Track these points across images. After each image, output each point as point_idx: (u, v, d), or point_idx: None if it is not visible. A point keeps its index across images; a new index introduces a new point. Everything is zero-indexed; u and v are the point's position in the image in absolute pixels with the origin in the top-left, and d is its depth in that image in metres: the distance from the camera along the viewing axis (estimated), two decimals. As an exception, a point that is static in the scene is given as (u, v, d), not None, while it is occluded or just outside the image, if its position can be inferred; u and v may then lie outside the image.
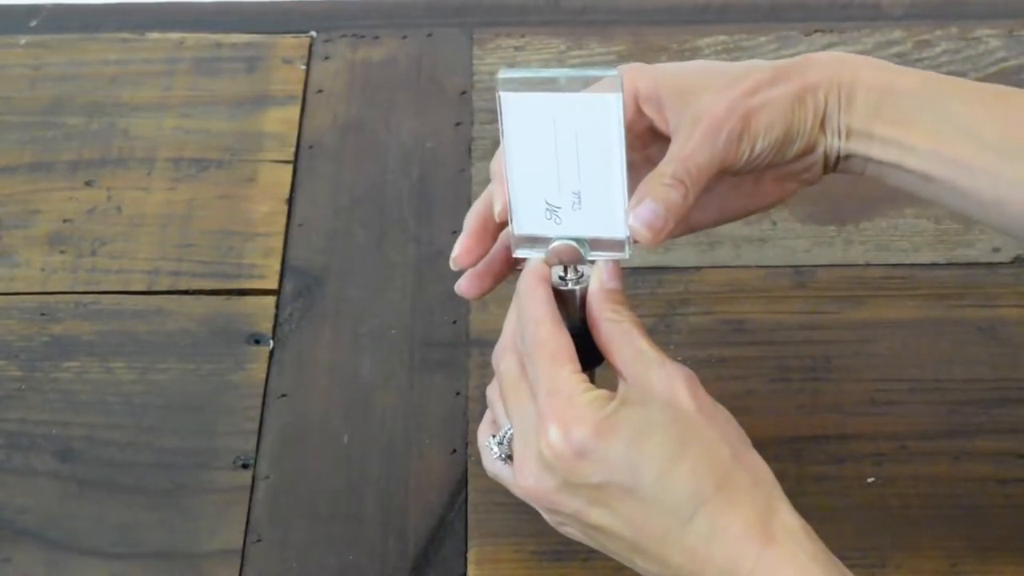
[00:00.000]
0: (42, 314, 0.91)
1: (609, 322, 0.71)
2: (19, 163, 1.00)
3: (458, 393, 0.86)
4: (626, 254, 0.71)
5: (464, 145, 1.01)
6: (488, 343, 0.87)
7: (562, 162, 0.70)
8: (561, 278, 0.72)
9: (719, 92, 0.73)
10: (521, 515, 0.80)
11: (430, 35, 1.09)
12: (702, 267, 0.93)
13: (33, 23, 1.10)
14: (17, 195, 0.98)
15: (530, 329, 0.70)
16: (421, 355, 0.88)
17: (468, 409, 0.85)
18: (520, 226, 0.72)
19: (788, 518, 0.67)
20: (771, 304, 0.90)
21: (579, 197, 0.71)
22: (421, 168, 0.99)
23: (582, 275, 0.72)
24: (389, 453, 0.84)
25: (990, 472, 0.82)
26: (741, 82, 0.73)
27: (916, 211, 0.96)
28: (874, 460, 0.82)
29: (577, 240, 0.71)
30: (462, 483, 0.82)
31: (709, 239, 0.94)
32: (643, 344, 0.70)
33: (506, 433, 0.73)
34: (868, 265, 0.93)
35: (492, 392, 0.76)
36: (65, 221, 0.96)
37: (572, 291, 0.72)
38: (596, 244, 0.72)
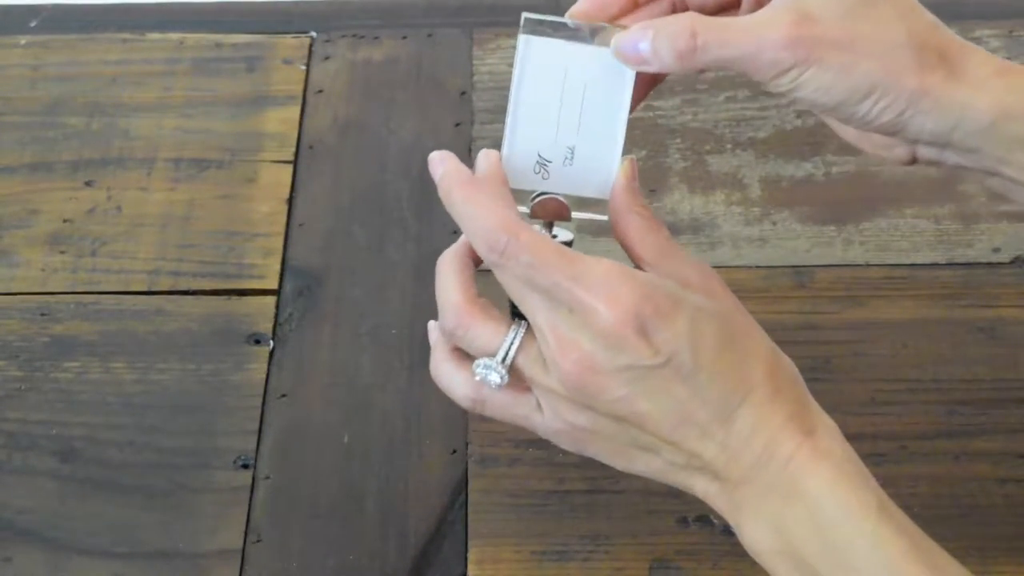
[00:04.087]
0: (42, 314, 0.91)
1: (639, 216, 0.70)
2: (19, 163, 1.00)
3: (458, 393, 0.86)
4: (607, 216, 0.71)
5: (464, 145, 1.01)
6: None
7: (564, 114, 0.71)
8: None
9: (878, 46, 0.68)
10: (521, 515, 0.80)
11: (430, 35, 1.09)
12: (702, 267, 0.93)
13: (33, 23, 1.10)
14: (17, 195, 0.98)
15: (516, 237, 0.67)
16: (421, 355, 0.88)
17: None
18: (510, 179, 0.71)
19: (823, 416, 0.67)
20: (771, 304, 0.90)
21: (572, 152, 0.71)
22: (421, 168, 0.99)
23: (556, 235, 0.72)
24: (389, 453, 0.84)
25: (990, 472, 0.82)
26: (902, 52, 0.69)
27: (916, 211, 0.96)
28: (874, 460, 0.82)
29: (565, 197, 0.71)
30: (462, 483, 0.82)
31: (709, 239, 0.94)
32: (671, 242, 0.70)
33: (513, 340, 0.68)
34: (868, 265, 0.93)
35: (460, 316, 0.70)
36: (65, 221, 0.96)
37: None
38: (581, 204, 0.72)
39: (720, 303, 0.68)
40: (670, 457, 0.68)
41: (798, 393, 0.68)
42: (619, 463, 0.70)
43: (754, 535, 0.67)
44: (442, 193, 0.69)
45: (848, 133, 0.75)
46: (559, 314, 0.66)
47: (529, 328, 0.68)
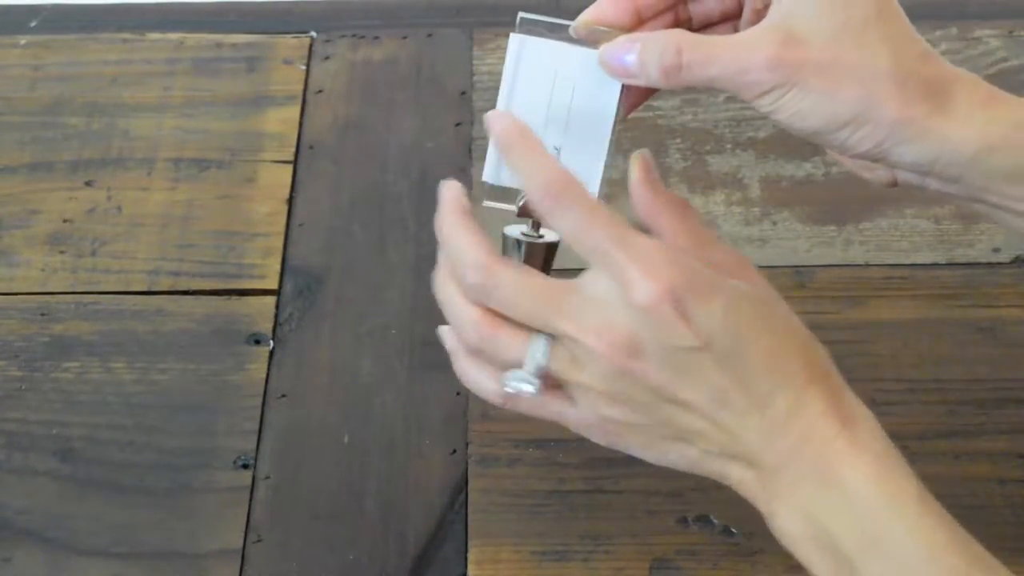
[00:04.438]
0: (42, 314, 0.91)
1: (667, 204, 0.70)
2: (19, 163, 1.00)
3: (458, 393, 0.86)
4: None
5: (464, 145, 1.01)
6: (488, 343, 0.87)
7: (552, 114, 0.71)
8: (524, 233, 0.72)
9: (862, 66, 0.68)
10: (521, 515, 0.80)
11: (430, 35, 1.09)
12: (702, 267, 0.93)
13: (33, 23, 1.10)
14: (17, 195, 0.98)
15: (574, 186, 0.66)
16: (421, 355, 0.88)
17: (468, 409, 0.85)
18: (496, 175, 0.72)
19: (860, 406, 0.67)
20: (771, 304, 0.90)
21: (558, 153, 0.71)
22: (421, 168, 0.99)
23: (542, 235, 0.72)
24: (389, 453, 0.84)
25: (990, 472, 0.82)
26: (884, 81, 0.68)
27: (916, 211, 0.96)
28: (874, 460, 0.82)
29: None
30: (462, 483, 0.82)
31: (709, 239, 0.94)
32: (705, 230, 0.70)
33: (541, 348, 0.67)
34: (868, 265, 0.93)
35: (481, 330, 0.69)
36: (65, 221, 0.96)
37: (535, 244, 0.72)
38: None
39: (758, 289, 0.68)
40: (705, 446, 0.68)
41: (834, 381, 0.67)
42: (652, 455, 0.69)
43: (788, 522, 0.67)
44: (501, 143, 0.69)
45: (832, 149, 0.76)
46: (596, 291, 0.66)
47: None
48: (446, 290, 0.70)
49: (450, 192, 0.71)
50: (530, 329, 0.68)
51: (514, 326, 0.68)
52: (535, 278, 0.68)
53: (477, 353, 0.70)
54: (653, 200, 0.70)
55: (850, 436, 0.66)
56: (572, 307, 0.66)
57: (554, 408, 0.70)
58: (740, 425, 0.66)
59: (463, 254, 0.68)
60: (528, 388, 0.68)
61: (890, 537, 0.65)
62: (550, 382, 0.69)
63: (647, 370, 0.66)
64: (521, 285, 0.67)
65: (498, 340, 0.68)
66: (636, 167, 0.70)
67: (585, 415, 0.69)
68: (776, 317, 0.67)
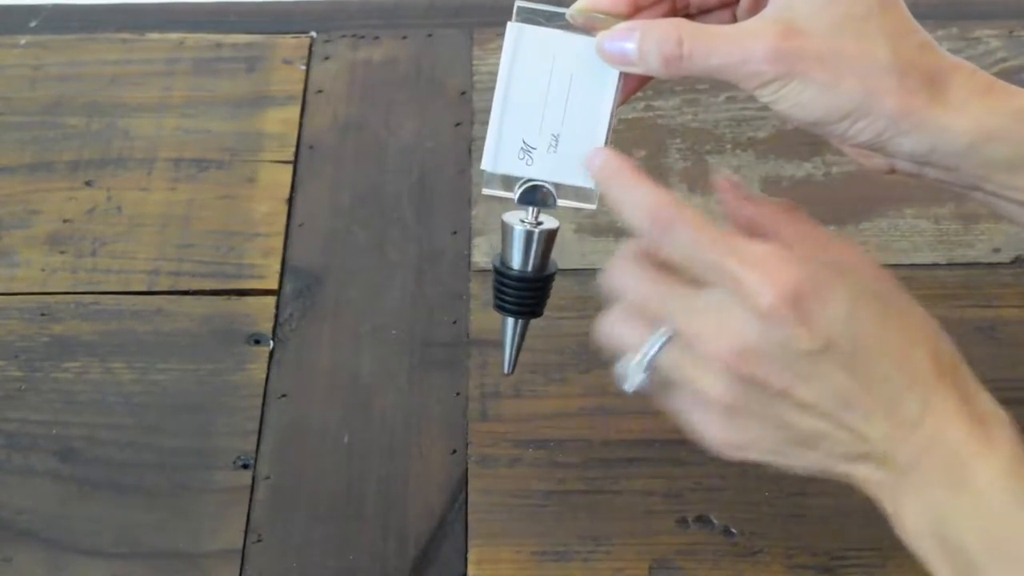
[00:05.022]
0: (42, 314, 0.91)
1: (779, 213, 0.69)
2: (19, 163, 1.00)
3: (458, 393, 0.86)
4: (594, 205, 0.72)
5: (464, 145, 1.01)
6: (488, 343, 0.87)
7: (550, 101, 0.71)
8: (523, 221, 0.72)
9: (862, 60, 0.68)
10: (521, 515, 0.80)
11: (430, 35, 1.09)
12: (702, 267, 0.93)
13: (33, 23, 1.10)
14: (17, 195, 0.98)
15: (680, 212, 0.66)
16: (421, 355, 0.88)
17: (468, 409, 0.85)
18: (494, 163, 0.72)
19: (992, 403, 0.66)
20: (771, 304, 0.90)
21: (556, 140, 0.71)
22: (421, 168, 0.99)
23: (541, 222, 0.72)
24: (389, 453, 0.84)
25: (990, 472, 0.82)
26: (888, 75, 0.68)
27: (916, 211, 0.96)
28: (874, 460, 0.82)
29: (552, 185, 0.72)
30: (462, 483, 0.82)
31: (709, 239, 0.94)
32: (814, 227, 0.69)
33: (655, 344, 0.67)
34: (868, 265, 0.93)
35: (618, 317, 0.68)
36: (65, 221, 0.96)
37: (532, 231, 0.72)
38: (564, 192, 0.72)
39: (880, 282, 0.67)
40: (830, 447, 0.66)
41: (964, 375, 0.66)
42: (776, 460, 0.68)
43: (914, 522, 0.65)
44: (601, 179, 0.69)
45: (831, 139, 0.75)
46: (715, 298, 0.65)
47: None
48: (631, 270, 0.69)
49: (605, 156, 0.70)
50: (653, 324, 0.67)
51: (644, 318, 0.67)
52: (712, 229, 0.66)
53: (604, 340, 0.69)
54: (759, 210, 0.69)
55: (983, 436, 0.64)
56: (702, 306, 0.66)
57: (680, 408, 0.68)
58: (867, 426, 0.65)
59: (644, 198, 0.67)
60: (636, 379, 0.68)
61: (1019, 541, 0.64)
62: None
63: (770, 373, 0.65)
64: (700, 227, 0.66)
65: (625, 326, 0.68)
66: (727, 191, 0.70)
67: (711, 428, 0.67)
68: (899, 311, 0.66)
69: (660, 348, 0.67)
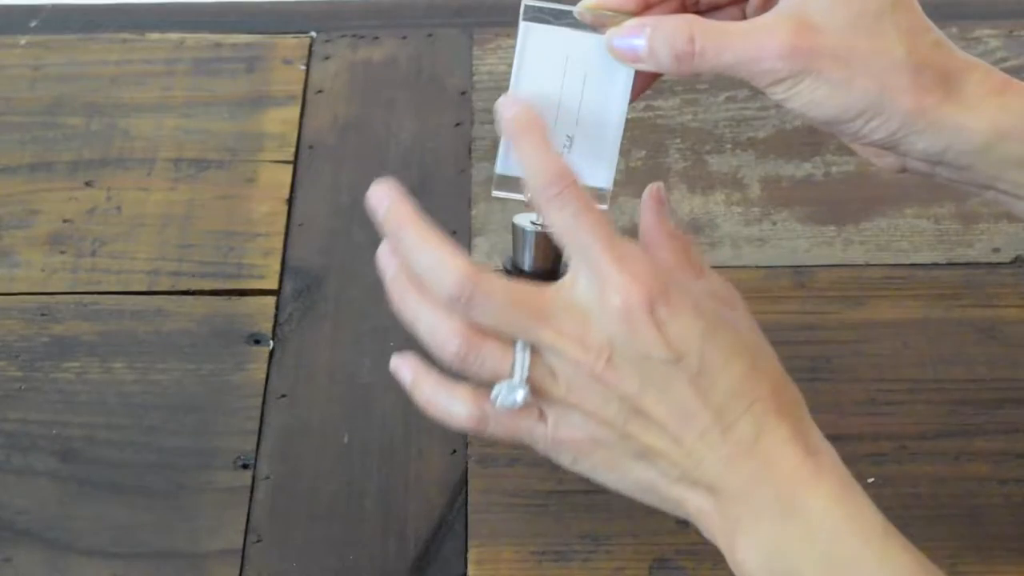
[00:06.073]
0: (42, 314, 0.91)
1: (670, 238, 0.70)
2: (19, 163, 1.00)
3: (458, 393, 0.86)
4: (606, 205, 0.72)
5: (464, 145, 1.01)
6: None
7: (564, 103, 0.71)
8: (534, 222, 0.72)
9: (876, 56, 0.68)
10: (521, 515, 0.80)
11: (430, 35, 1.09)
12: (702, 267, 0.93)
13: (33, 23, 1.10)
14: (17, 195, 0.98)
15: (574, 183, 0.66)
16: (421, 355, 0.88)
17: (468, 409, 0.85)
18: (507, 166, 0.71)
19: (825, 441, 0.67)
20: (771, 304, 0.90)
21: (571, 142, 0.71)
22: (421, 168, 0.99)
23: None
24: (389, 453, 0.84)
25: (990, 472, 0.82)
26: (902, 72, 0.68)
27: (916, 211, 0.96)
28: (874, 460, 0.82)
29: None
30: (462, 483, 0.82)
31: (709, 239, 0.94)
32: (701, 262, 0.71)
33: (521, 361, 0.67)
34: (868, 265, 0.93)
35: (469, 341, 0.68)
36: (65, 221, 0.96)
37: (543, 233, 0.72)
38: None
39: (742, 320, 0.68)
40: (666, 466, 0.67)
41: (801, 415, 0.67)
42: (613, 477, 0.69)
43: (748, 556, 0.66)
44: (510, 134, 0.69)
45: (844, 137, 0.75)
46: (579, 288, 0.66)
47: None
48: (413, 305, 0.69)
49: (400, 203, 0.70)
50: (507, 341, 0.67)
51: (497, 336, 0.67)
52: (518, 284, 0.67)
53: (461, 366, 0.68)
54: (657, 227, 0.71)
55: (815, 464, 0.65)
56: (554, 313, 0.66)
57: (525, 424, 0.69)
58: (703, 445, 0.66)
59: (442, 263, 0.67)
60: (517, 397, 0.67)
61: (856, 564, 0.64)
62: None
63: (620, 377, 0.66)
64: (506, 293, 0.67)
65: (484, 349, 0.68)
66: (649, 196, 0.71)
67: (554, 431, 0.69)
68: (750, 345, 0.68)
69: (529, 356, 0.67)
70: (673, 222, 0.71)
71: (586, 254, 0.66)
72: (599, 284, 0.65)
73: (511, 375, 0.67)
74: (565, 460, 0.70)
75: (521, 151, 0.68)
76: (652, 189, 0.72)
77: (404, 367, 0.71)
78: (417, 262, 0.68)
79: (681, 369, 0.65)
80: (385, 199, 0.70)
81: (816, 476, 0.65)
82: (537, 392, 0.68)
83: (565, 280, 0.67)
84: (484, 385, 0.68)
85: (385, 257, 0.71)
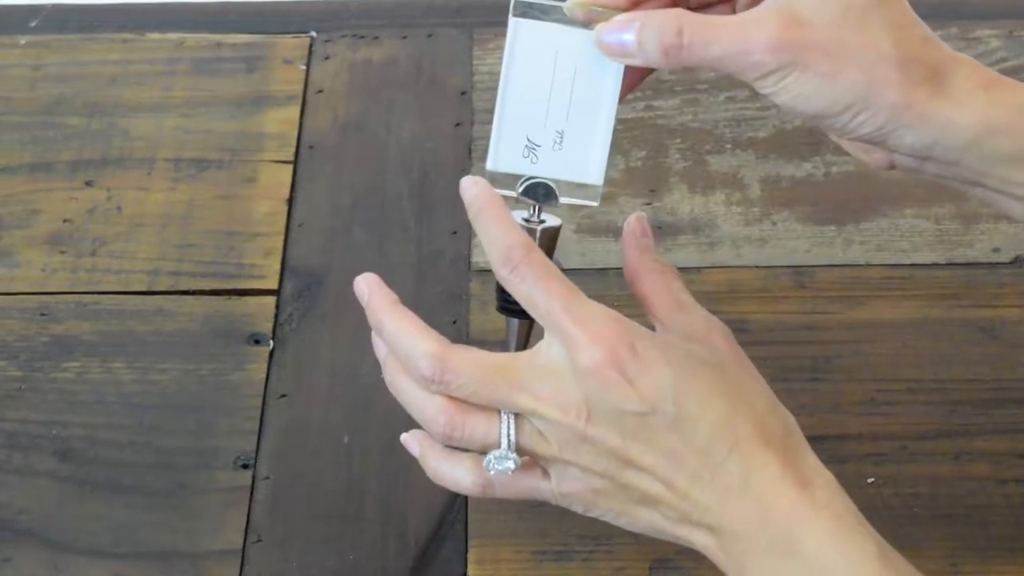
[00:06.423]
0: (42, 314, 0.91)
1: (652, 272, 0.71)
2: (19, 163, 1.00)
3: (458, 393, 0.86)
4: (596, 202, 0.72)
5: (464, 145, 1.01)
6: (488, 343, 0.87)
7: (554, 97, 0.71)
8: (526, 219, 0.72)
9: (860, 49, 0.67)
10: (521, 515, 0.80)
11: (430, 35, 1.09)
12: (702, 267, 0.93)
13: (33, 23, 1.10)
14: (17, 195, 0.98)
15: (530, 254, 0.67)
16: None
17: (468, 409, 0.85)
18: (498, 162, 0.71)
19: (820, 467, 0.67)
20: (771, 304, 0.90)
21: (561, 137, 0.71)
22: (421, 168, 0.99)
23: (544, 220, 0.72)
24: (389, 453, 0.84)
25: (990, 472, 0.82)
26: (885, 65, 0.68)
27: (916, 211, 0.96)
28: (874, 460, 0.83)
29: (553, 182, 0.71)
30: (462, 483, 0.82)
31: (709, 239, 0.94)
32: (684, 295, 0.71)
33: (507, 430, 0.69)
34: (868, 265, 0.93)
35: (452, 417, 0.69)
36: (65, 221, 0.96)
37: (537, 230, 0.72)
38: (565, 188, 0.72)
39: (718, 355, 0.68)
40: (666, 510, 0.68)
41: (792, 444, 0.67)
42: (624, 521, 0.70)
43: None
44: (473, 212, 0.69)
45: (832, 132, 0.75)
46: (552, 352, 0.67)
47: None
48: (402, 385, 0.71)
49: (376, 288, 0.71)
50: (493, 411, 0.68)
51: (480, 407, 0.69)
52: (488, 358, 0.68)
53: (449, 442, 0.70)
54: (639, 260, 0.71)
55: (809, 499, 0.65)
56: (528, 380, 0.67)
57: (529, 484, 0.70)
58: (695, 489, 0.66)
59: (413, 348, 0.69)
60: (510, 464, 0.69)
61: None
62: (523, 457, 0.70)
63: (602, 434, 0.67)
64: (476, 367, 0.68)
65: (468, 424, 0.69)
66: (632, 225, 0.72)
67: (558, 486, 0.70)
68: (730, 383, 0.68)
69: (515, 424, 0.68)
70: (655, 255, 0.72)
71: (550, 319, 0.67)
72: (568, 347, 0.66)
73: (499, 444, 0.69)
74: (578, 510, 0.71)
75: (479, 228, 0.69)
76: (633, 221, 0.72)
77: (412, 441, 0.73)
78: (395, 349, 0.70)
79: (658, 418, 0.66)
80: (366, 290, 0.71)
81: (811, 513, 0.65)
82: (532, 453, 0.69)
83: (540, 345, 0.68)
84: (483, 453, 0.70)
85: (377, 343, 0.72)
